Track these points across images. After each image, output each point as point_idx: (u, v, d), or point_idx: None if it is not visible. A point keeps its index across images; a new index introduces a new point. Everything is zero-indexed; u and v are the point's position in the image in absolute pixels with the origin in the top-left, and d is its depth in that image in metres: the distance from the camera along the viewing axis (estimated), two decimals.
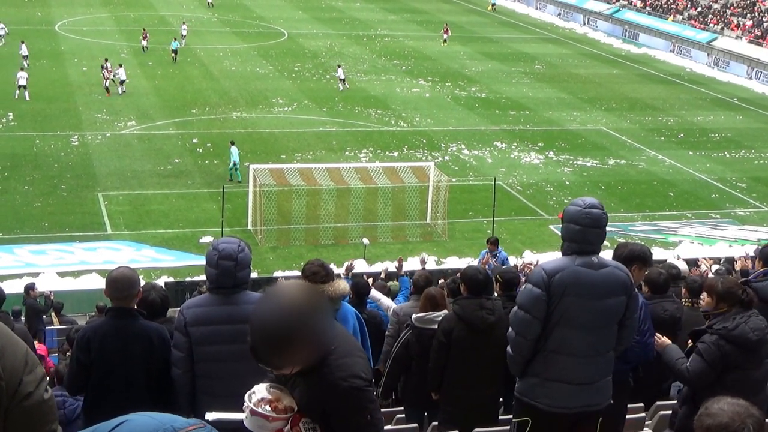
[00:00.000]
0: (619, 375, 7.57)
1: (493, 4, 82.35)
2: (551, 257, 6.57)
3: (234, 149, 34.12)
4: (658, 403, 8.37)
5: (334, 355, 4.11)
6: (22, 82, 42.61)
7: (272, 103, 45.47)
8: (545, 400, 6.26)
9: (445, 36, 64.32)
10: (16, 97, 42.40)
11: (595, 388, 6.30)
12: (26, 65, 45.82)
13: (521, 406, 6.44)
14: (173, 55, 52.25)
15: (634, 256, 7.87)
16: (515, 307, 6.34)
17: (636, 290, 6.47)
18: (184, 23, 58.44)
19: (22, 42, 48.22)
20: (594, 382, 6.28)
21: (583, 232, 6.14)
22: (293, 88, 48.44)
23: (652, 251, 8.30)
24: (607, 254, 6.90)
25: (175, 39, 53.66)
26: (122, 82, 44.71)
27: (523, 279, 10.84)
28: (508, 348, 6.40)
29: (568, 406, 6.25)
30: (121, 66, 45.51)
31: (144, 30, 55.14)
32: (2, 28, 53.21)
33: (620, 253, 7.99)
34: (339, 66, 49.98)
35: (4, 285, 23.83)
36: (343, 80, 48.56)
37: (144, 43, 53.92)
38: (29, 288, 20.52)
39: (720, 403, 3.83)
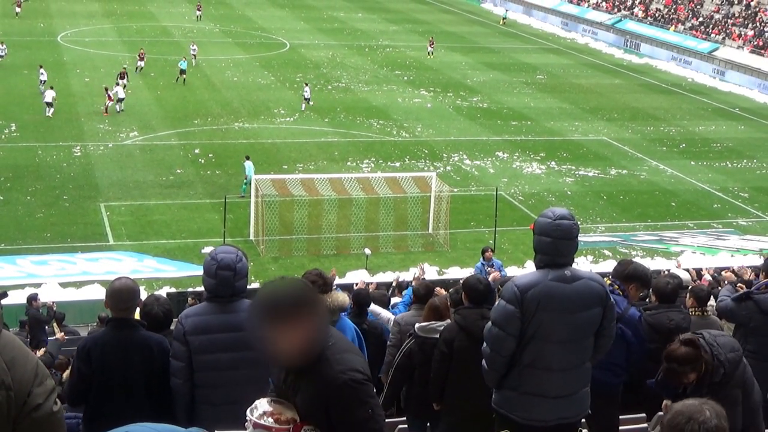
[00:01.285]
0: (607, 388, 7.54)
1: (504, 19, 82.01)
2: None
3: (248, 164, 33.81)
4: (660, 413, 8.34)
5: (331, 350, 4.19)
6: (48, 99, 42.37)
7: (274, 114, 45.52)
8: (522, 413, 6.23)
9: (430, 49, 63.61)
10: (48, 114, 42.04)
11: (572, 400, 6.26)
12: (42, 89, 44.71)
13: (499, 419, 6.42)
14: (182, 76, 50.00)
15: (636, 276, 7.96)
16: (489, 323, 6.30)
17: (612, 300, 6.41)
18: (193, 44, 56.26)
19: (41, 66, 46.83)
20: (570, 395, 6.24)
21: (554, 245, 6.10)
22: (295, 99, 48.48)
23: (650, 267, 8.33)
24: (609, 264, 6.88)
25: (185, 58, 51.69)
26: (120, 101, 43.73)
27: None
28: (483, 362, 6.36)
29: (545, 419, 6.22)
30: (118, 84, 44.80)
31: (142, 50, 53.53)
32: (2, 49, 52.02)
33: (622, 270, 8.02)
34: (306, 84, 47.72)
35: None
36: (308, 99, 46.37)
37: (141, 63, 51.92)
38: (32, 298, 20.50)
39: (676, 404, 4.17)
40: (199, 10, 71.43)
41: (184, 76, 50.26)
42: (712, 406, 4.10)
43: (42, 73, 46.17)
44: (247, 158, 34.42)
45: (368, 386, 4.22)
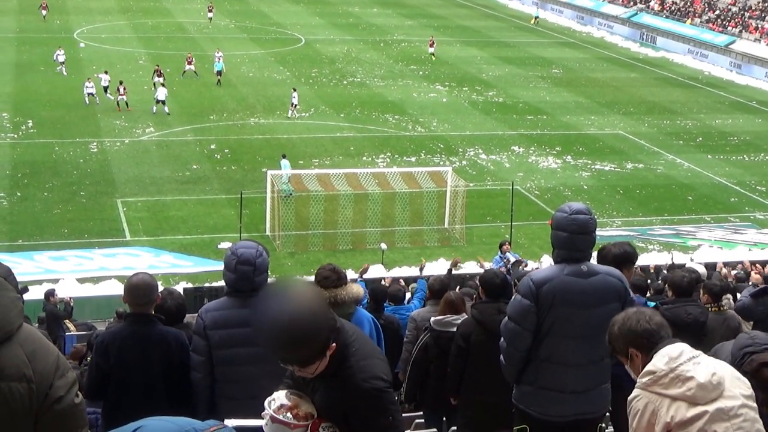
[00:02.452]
0: (615, 380, 7.51)
1: (536, 18, 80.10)
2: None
3: (285, 162, 33.44)
4: None
5: (355, 357, 4.16)
6: (161, 97, 42.72)
7: (289, 109, 45.49)
8: (538, 408, 6.24)
9: (431, 50, 60.64)
10: (166, 111, 42.64)
11: (590, 396, 6.24)
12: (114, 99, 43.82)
13: (518, 414, 6.44)
14: (218, 77, 49.45)
15: (624, 258, 7.49)
16: (506, 318, 6.30)
17: (632, 295, 6.36)
18: (218, 50, 52.85)
19: (106, 72, 45.46)
20: (588, 390, 6.22)
21: (570, 239, 6.08)
22: (310, 94, 48.51)
23: (633, 247, 7.85)
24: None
25: (219, 59, 50.39)
26: (161, 102, 43.04)
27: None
28: (501, 357, 6.37)
29: (561, 414, 6.21)
30: (163, 85, 43.90)
31: (189, 54, 52.08)
32: (61, 54, 49.73)
33: (606, 256, 7.59)
34: (294, 89, 44.98)
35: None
36: (295, 105, 43.85)
37: (191, 68, 50.62)
38: (49, 294, 20.62)
39: (626, 311, 4.65)
40: (211, 12, 69.22)
41: (220, 77, 49.62)
42: (646, 309, 4.55)
43: (103, 80, 44.76)
44: (284, 156, 34.10)
45: (390, 393, 4.22)
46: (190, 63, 51.11)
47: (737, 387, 4.29)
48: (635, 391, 4.37)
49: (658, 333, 4.39)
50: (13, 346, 3.52)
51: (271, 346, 4.02)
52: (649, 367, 4.30)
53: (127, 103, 43.24)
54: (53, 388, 3.53)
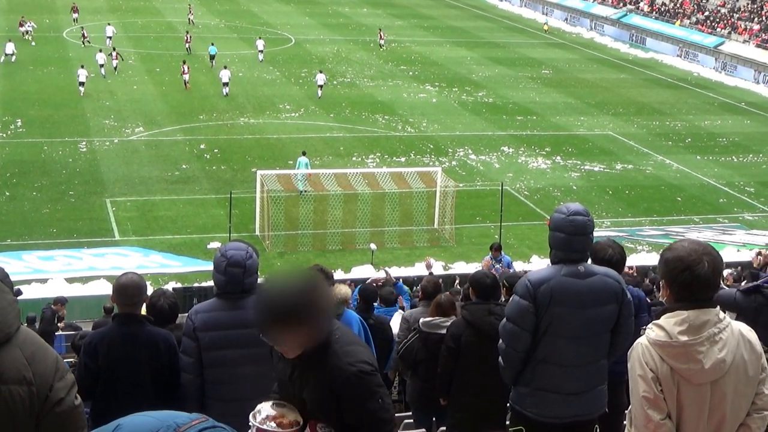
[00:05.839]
0: (618, 377, 7.51)
1: (546, 23, 78.53)
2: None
3: (302, 159, 33.60)
4: None
5: (338, 343, 4.20)
6: (225, 79, 46.43)
7: (279, 109, 45.51)
8: (534, 410, 6.23)
9: (381, 42, 63.44)
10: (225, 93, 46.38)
11: (587, 398, 6.23)
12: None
13: (514, 415, 6.42)
14: (211, 61, 53.14)
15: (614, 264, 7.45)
16: (504, 319, 6.29)
17: (629, 296, 6.32)
18: (260, 37, 58.25)
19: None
20: (585, 392, 6.21)
21: (568, 240, 6.07)
22: (300, 94, 48.51)
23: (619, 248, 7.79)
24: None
25: (212, 44, 54.78)
26: (81, 84, 44.91)
27: None
28: (500, 359, 6.35)
29: (558, 415, 6.20)
30: (82, 67, 45.87)
31: (187, 33, 57.68)
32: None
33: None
34: (320, 71, 49.06)
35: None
36: (321, 86, 47.71)
37: (187, 45, 56.06)
38: (59, 301, 20.28)
39: (682, 241, 4.24)
40: (191, 14, 67.74)
41: (212, 61, 52.98)
42: (712, 255, 4.14)
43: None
44: (303, 154, 34.33)
45: (376, 377, 4.24)
46: (187, 42, 56.03)
47: (745, 368, 4.18)
48: (642, 339, 4.24)
49: (696, 291, 4.14)
50: (11, 348, 3.50)
51: (266, 307, 4.02)
52: (666, 328, 4.15)
53: (185, 83, 47.11)
54: (53, 390, 3.52)
